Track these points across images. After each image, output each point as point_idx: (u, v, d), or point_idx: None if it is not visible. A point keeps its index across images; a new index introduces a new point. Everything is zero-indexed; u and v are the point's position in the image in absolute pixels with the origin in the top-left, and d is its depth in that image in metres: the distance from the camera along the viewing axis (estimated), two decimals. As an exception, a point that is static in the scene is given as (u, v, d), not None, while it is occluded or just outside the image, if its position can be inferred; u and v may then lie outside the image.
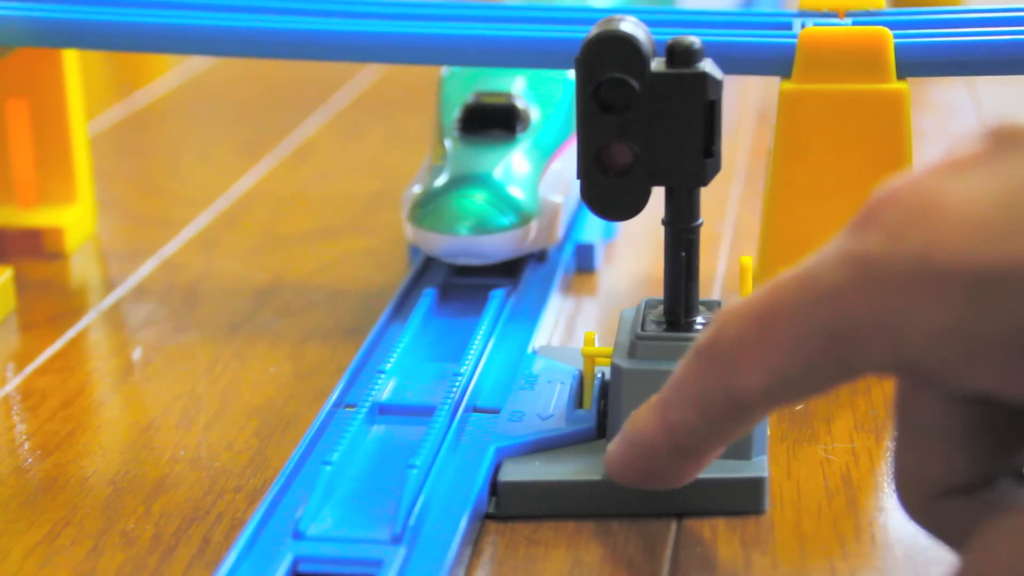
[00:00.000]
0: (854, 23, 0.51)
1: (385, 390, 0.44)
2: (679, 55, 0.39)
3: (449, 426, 0.41)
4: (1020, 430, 0.30)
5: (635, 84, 0.39)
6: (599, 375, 0.43)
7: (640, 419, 0.35)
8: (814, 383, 0.31)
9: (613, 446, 0.37)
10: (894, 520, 0.39)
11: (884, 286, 0.28)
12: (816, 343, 0.30)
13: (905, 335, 0.28)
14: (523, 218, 0.51)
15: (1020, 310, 0.27)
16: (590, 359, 0.43)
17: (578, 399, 0.43)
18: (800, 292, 0.30)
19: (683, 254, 0.40)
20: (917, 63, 0.48)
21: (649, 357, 0.40)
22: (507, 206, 0.51)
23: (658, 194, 0.40)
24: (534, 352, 0.47)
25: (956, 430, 0.30)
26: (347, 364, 0.47)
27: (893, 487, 0.31)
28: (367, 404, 0.42)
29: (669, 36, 0.39)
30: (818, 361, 0.30)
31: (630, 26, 0.39)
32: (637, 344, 0.40)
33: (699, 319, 0.41)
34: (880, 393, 0.46)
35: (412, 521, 0.37)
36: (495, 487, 0.40)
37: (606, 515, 0.39)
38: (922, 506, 0.31)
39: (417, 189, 0.52)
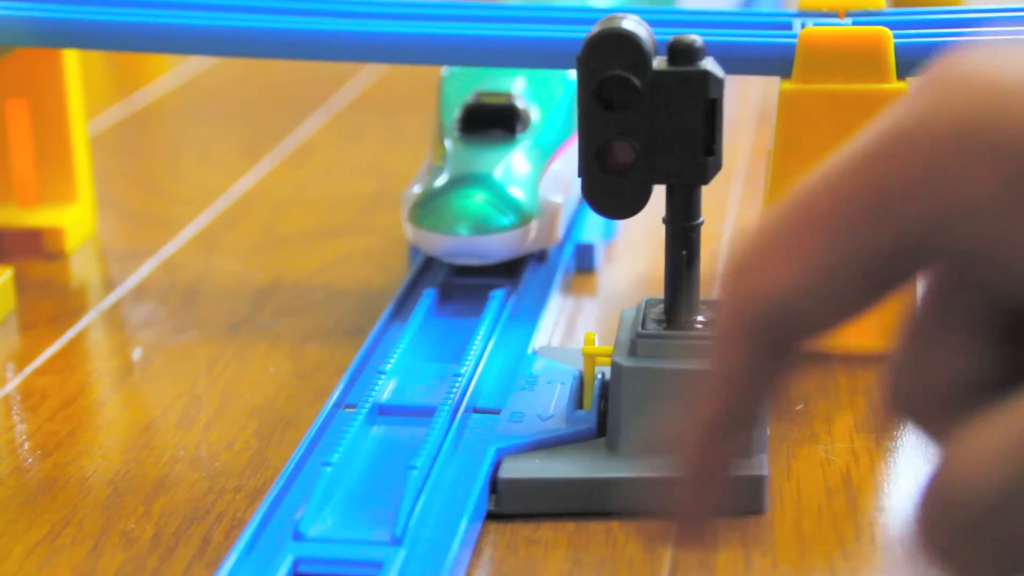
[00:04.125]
0: (854, 23, 0.51)
1: (385, 391, 0.44)
2: (681, 53, 0.39)
3: (449, 427, 0.41)
4: None
5: (637, 82, 0.39)
6: (599, 375, 0.43)
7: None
8: (849, 272, 0.28)
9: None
10: (894, 520, 0.39)
11: (929, 148, 0.28)
12: (852, 216, 0.28)
13: (948, 197, 0.27)
14: (523, 218, 0.51)
15: None
16: (590, 359, 0.43)
17: (578, 399, 0.43)
18: (841, 167, 0.28)
19: (684, 252, 0.40)
20: (917, 63, 0.48)
21: (649, 355, 0.40)
22: (507, 206, 0.50)
23: (659, 192, 0.40)
24: (534, 352, 0.47)
25: (976, 333, 0.29)
26: (347, 364, 0.46)
27: (884, 383, 0.29)
28: (367, 404, 0.42)
29: (669, 36, 0.39)
30: (855, 232, 0.28)
31: (632, 24, 0.39)
32: (637, 342, 0.40)
33: (700, 318, 0.41)
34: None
35: (412, 522, 0.36)
36: (495, 484, 0.40)
37: (606, 514, 0.39)
38: (911, 400, 0.30)
39: (417, 189, 0.52)
